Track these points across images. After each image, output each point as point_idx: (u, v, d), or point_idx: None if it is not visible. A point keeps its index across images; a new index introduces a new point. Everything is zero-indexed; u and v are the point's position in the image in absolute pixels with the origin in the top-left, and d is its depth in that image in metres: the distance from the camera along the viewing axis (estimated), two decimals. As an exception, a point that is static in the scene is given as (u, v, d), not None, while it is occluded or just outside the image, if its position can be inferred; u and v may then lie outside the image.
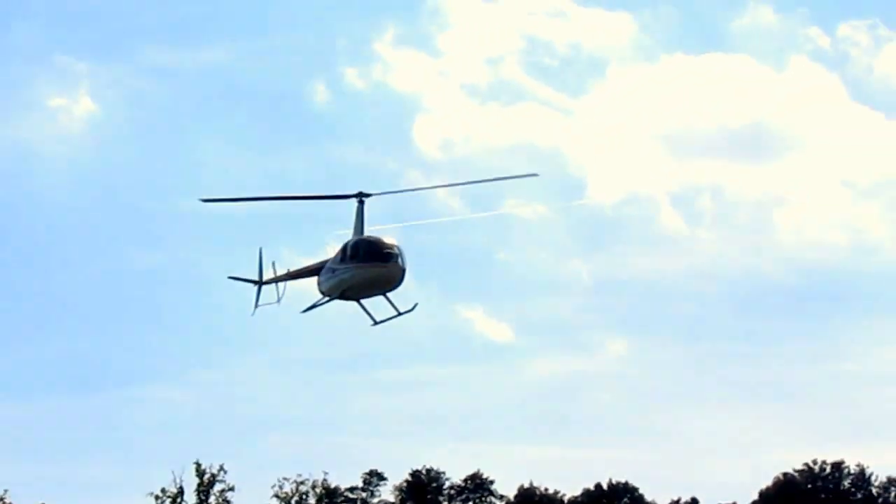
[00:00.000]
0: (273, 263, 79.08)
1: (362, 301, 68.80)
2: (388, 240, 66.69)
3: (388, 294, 67.45)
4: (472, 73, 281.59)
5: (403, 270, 65.64)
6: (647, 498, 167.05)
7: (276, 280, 76.80)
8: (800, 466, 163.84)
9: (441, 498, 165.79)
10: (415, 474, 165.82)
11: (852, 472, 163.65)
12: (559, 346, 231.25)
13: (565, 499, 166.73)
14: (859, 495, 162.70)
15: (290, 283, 76.88)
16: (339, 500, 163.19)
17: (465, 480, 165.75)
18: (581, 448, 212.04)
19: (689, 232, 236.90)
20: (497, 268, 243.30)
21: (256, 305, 79.32)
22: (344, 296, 68.15)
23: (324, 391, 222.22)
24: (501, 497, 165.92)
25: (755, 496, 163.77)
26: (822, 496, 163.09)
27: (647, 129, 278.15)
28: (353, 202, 68.97)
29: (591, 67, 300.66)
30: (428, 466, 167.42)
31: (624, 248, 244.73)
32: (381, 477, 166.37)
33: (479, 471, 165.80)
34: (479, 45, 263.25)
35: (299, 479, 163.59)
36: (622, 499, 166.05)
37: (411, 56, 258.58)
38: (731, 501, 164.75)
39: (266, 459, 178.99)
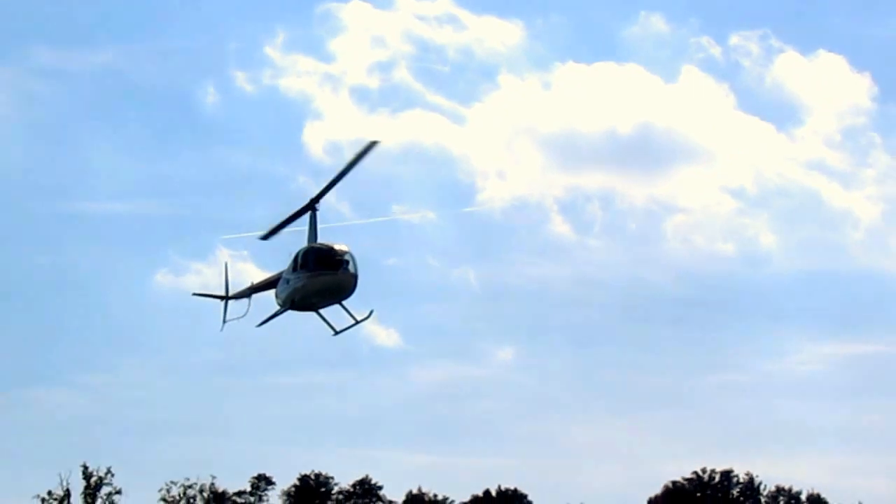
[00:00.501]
0: (226, 264, 79.51)
1: (320, 311, 67.82)
2: (339, 246, 65.60)
3: (344, 302, 66.38)
4: (362, 79, 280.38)
5: (355, 277, 64.83)
6: None
7: (242, 295, 75.58)
8: (689, 475, 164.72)
9: (329, 503, 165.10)
10: (303, 479, 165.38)
11: (741, 480, 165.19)
12: (448, 352, 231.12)
13: None
14: None
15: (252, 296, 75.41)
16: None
17: (354, 485, 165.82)
18: (469, 455, 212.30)
19: (577, 240, 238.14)
20: (386, 273, 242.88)
21: (224, 321, 77.91)
22: (299, 306, 67.14)
23: (212, 395, 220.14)
24: (390, 502, 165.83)
25: None
26: None
27: (538, 136, 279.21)
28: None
29: (483, 74, 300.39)
30: (316, 471, 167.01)
31: (512, 255, 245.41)
32: (269, 481, 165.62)
33: (367, 476, 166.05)
34: (369, 50, 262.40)
35: (187, 483, 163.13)
36: None
37: (302, 60, 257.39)
38: None
39: (154, 463, 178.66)
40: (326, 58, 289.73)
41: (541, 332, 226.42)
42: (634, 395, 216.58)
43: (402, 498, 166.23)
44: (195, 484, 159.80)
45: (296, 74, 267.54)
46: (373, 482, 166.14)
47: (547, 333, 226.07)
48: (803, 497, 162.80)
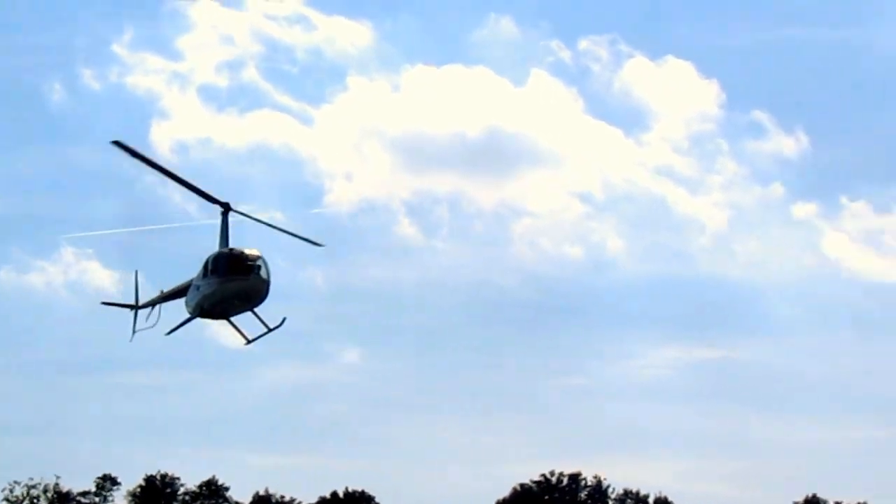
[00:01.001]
0: (136, 272, 77.43)
1: (231, 318, 65.96)
2: (250, 251, 63.79)
3: (255, 309, 64.32)
4: (210, 78, 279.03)
5: (266, 283, 63.02)
6: None
7: (152, 304, 72.98)
8: (537, 477, 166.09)
9: (175, 503, 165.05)
10: (149, 479, 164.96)
11: (589, 483, 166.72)
12: (294, 353, 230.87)
13: None
14: None
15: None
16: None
17: (200, 486, 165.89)
18: (316, 456, 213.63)
19: (425, 242, 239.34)
20: None
21: (134, 331, 75.28)
22: (209, 313, 65.37)
23: (56, 394, 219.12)
24: (237, 503, 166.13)
25: None
26: None
27: (386, 138, 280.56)
28: (218, 213, 65.59)
29: (332, 75, 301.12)
30: (163, 472, 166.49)
31: (360, 256, 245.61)
32: (114, 482, 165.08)
33: (214, 477, 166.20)
34: (218, 49, 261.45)
35: (31, 483, 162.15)
36: None
37: (149, 59, 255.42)
38: None
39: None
40: (174, 56, 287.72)
41: (387, 334, 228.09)
42: (481, 397, 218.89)
43: (249, 499, 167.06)
44: (39, 484, 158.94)
45: (143, 72, 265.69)
46: (219, 483, 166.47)
47: (394, 335, 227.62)
48: (650, 500, 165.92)
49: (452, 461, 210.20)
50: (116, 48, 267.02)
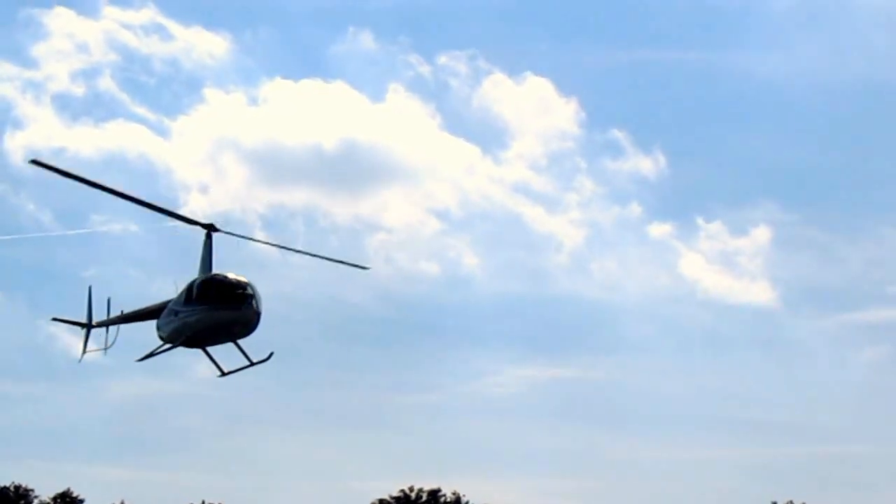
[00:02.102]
0: (90, 288, 74.37)
1: (208, 349, 62.81)
2: (241, 279, 60.66)
3: (240, 341, 61.44)
4: (65, 86, 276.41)
5: (258, 315, 59.77)
6: None
7: (107, 323, 69.92)
8: (396, 493, 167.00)
9: None
10: (2, 490, 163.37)
11: (448, 500, 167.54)
12: (147, 366, 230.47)
13: None
14: None
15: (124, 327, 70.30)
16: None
17: (55, 498, 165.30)
18: (172, 470, 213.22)
19: (280, 256, 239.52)
20: (84, 285, 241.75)
21: (84, 351, 72.53)
22: (188, 343, 61.59)
23: None
24: None
25: None
26: None
27: (242, 151, 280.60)
28: (201, 235, 62.38)
29: (189, 87, 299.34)
30: (16, 483, 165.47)
31: (214, 269, 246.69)
32: None
33: (69, 489, 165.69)
34: (73, 57, 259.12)
35: None
36: None
37: (2, 66, 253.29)
38: None
39: None
40: (28, 64, 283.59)
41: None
42: (336, 413, 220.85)
43: None
44: None
45: None
46: (74, 495, 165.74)
47: (247, 349, 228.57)
48: None
49: (310, 476, 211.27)
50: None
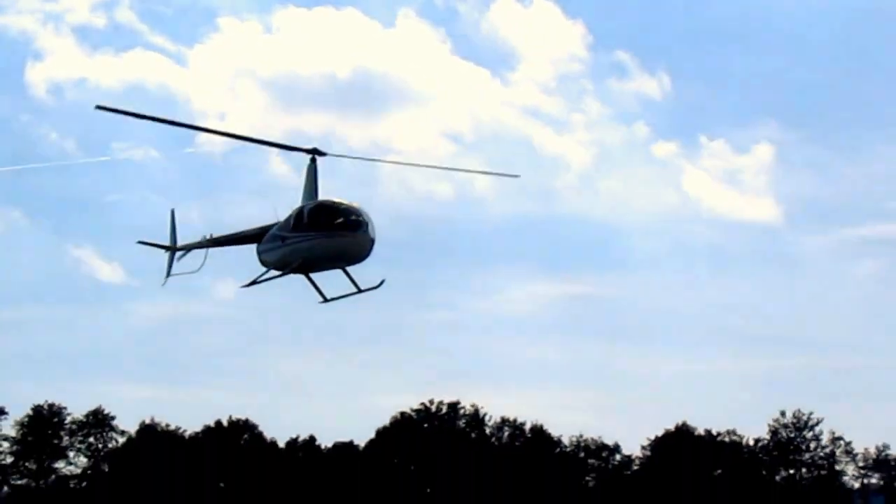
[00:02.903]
0: (172, 211, 72.15)
1: (312, 275, 60.11)
2: (354, 204, 57.87)
3: (350, 268, 58.67)
4: (85, 18, 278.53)
5: (373, 241, 57.12)
6: (267, 436, 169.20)
7: (193, 247, 67.64)
8: (416, 406, 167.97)
9: (63, 432, 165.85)
10: (36, 409, 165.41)
11: (467, 412, 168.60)
12: (171, 289, 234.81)
13: (186, 435, 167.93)
14: (473, 434, 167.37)
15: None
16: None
17: (87, 416, 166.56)
18: (198, 387, 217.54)
19: (296, 180, 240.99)
20: (108, 210, 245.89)
21: (168, 274, 69.84)
22: (297, 268, 59.13)
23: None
24: (123, 432, 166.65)
25: (372, 435, 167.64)
26: (439, 435, 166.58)
27: (259, 79, 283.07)
28: (305, 160, 59.55)
29: (205, 17, 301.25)
30: (49, 402, 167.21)
31: (233, 195, 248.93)
32: (2, 411, 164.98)
33: (100, 406, 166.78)
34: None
35: None
36: (242, 436, 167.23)
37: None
38: (348, 439, 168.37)
39: None
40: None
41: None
42: (355, 331, 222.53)
43: (136, 428, 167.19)
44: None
45: (17, 12, 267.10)
46: (106, 412, 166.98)
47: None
48: (527, 428, 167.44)
49: (333, 392, 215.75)
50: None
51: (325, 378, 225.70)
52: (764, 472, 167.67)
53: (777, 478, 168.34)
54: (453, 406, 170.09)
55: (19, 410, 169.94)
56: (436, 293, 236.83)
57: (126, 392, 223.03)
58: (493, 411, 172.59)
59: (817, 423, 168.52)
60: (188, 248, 68.47)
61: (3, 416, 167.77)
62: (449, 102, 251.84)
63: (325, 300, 59.92)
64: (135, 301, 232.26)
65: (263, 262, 60.52)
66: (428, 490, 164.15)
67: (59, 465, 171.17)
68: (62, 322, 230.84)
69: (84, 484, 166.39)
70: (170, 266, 69.16)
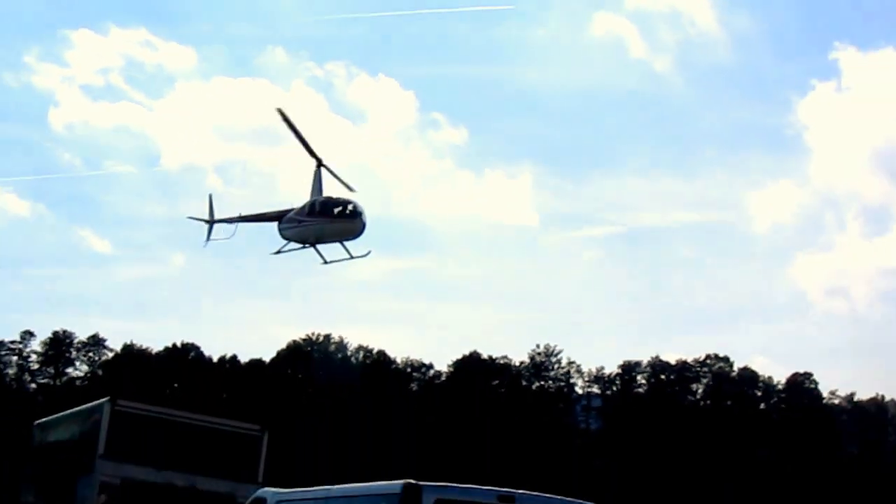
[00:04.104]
0: (210, 196, 76.98)
1: (318, 246, 67.44)
2: (351, 198, 66.49)
3: (346, 243, 66.55)
4: (88, 80, 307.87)
5: (364, 225, 65.34)
6: (206, 354, 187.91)
7: (228, 220, 73.62)
8: (304, 336, 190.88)
9: (72, 349, 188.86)
10: (55, 333, 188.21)
11: (335, 341, 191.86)
12: (189, 251, 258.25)
13: (153, 352, 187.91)
14: (339, 355, 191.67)
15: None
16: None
17: (89, 338, 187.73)
18: (163, 319, 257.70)
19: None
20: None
21: (208, 239, 75.65)
22: (308, 242, 67.23)
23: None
24: (112, 350, 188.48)
25: (274, 354, 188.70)
26: (318, 355, 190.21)
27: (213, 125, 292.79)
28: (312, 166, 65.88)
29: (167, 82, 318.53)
30: (63, 328, 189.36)
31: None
32: (31, 334, 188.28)
33: (97, 333, 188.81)
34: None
35: None
36: (190, 354, 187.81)
37: None
38: (258, 357, 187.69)
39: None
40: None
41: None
42: (266, 285, 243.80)
43: (121, 347, 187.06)
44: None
45: (45, 75, 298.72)
46: (101, 337, 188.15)
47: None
48: (374, 352, 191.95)
49: (249, 325, 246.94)
50: None
51: (244, 315, 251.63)
52: (524, 383, 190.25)
53: (533, 387, 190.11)
54: (327, 337, 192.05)
55: (43, 334, 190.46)
56: (317, 266, 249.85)
57: (117, 325, 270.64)
58: (352, 341, 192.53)
59: (559, 353, 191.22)
60: (223, 221, 74.65)
61: (32, 337, 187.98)
62: (323, 140, 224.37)
63: (325, 262, 67.91)
64: (120, 265, 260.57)
65: (284, 237, 68.94)
66: (310, 390, 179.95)
67: (69, 370, 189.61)
68: (75, 279, 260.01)
69: (86, 383, 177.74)
70: (209, 234, 75.49)
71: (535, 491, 21.24)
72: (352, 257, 66.63)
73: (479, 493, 20.54)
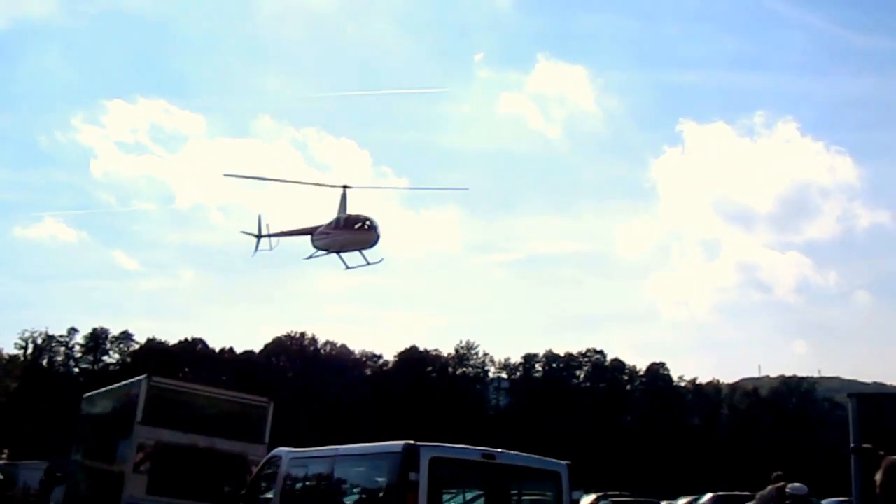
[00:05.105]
0: (259, 216, 69.08)
1: (342, 254, 63.35)
2: (370, 216, 62.63)
3: (364, 252, 62.51)
4: (120, 137, 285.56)
5: (378, 237, 61.70)
6: (210, 345, 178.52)
7: (272, 235, 67.57)
8: (285, 333, 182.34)
9: (108, 341, 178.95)
10: (94, 329, 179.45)
11: (308, 337, 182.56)
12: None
13: (170, 344, 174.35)
14: (312, 349, 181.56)
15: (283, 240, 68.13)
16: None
17: (119, 334, 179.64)
18: (179, 320, 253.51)
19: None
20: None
21: (256, 250, 68.69)
22: (332, 250, 63.46)
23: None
24: (138, 342, 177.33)
25: (261, 346, 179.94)
26: (296, 349, 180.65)
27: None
28: (339, 190, 62.77)
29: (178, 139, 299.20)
30: (100, 326, 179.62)
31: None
32: (75, 329, 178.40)
33: (127, 329, 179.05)
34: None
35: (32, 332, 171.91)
36: (198, 346, 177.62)
37: None
38: (250, 348, 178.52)
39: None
40: None
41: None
42: (257, 290, 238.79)
43: (144, 340, 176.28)
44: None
45: (87, 134, 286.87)
46: (131, 333, 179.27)
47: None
48: (338, 345, 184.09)
49: (242, 323, 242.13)
50: None
51: (238, 316, 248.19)
52: (451, 370, 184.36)
53: (457, 372, 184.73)
54: (303, 334, 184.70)
55: (85, 330, 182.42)
56: (294, 279, 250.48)
57: (142, 324, 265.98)
58: (321, 337, 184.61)
59: (477, 346, 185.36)
60: (268, 235, 68.52)
61: (77, 332, 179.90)
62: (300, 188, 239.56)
63: (347, 268, 63.11)
64: (144, 279, 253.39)
65: (315, 246, 63.97)
66: (289, 374, 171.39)
67: (105, 358, 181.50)
68: (110, 289, 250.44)
69: (118, 369, 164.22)
70: (256, 246, 68.95)
71: None
72: (368, 263, 63.20)
73: (467, 452, 19.39)
